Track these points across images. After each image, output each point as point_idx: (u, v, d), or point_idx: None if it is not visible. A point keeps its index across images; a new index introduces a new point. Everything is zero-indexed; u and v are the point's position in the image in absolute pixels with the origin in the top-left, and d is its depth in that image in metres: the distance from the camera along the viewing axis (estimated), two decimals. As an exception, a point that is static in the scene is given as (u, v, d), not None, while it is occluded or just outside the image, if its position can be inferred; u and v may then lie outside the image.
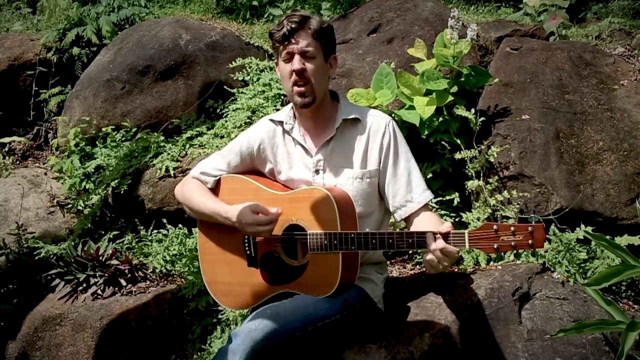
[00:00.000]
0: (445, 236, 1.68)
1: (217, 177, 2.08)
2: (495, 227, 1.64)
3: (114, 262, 2.78)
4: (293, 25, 1.87)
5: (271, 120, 2.07)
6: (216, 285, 2.06)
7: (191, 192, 2.08)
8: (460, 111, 2.60)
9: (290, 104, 2.06)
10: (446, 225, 1.70)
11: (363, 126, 2.00)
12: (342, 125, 1.99)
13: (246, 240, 1.99)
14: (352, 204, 1.90)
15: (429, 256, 1.69)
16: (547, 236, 2.34)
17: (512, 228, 1.62)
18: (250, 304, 1.98)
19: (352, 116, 1.99)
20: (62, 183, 3.42)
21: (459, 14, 2.58)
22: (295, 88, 1.91)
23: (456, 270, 2.41)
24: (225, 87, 3.50)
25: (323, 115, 2.00)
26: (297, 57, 1.89)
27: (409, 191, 1.96)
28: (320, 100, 1.95)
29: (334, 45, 2.00)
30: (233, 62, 3.57)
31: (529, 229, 1.61)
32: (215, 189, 2.08)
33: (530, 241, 1.61)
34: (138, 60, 3.60)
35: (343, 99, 2.07)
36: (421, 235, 1.72)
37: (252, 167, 2.09)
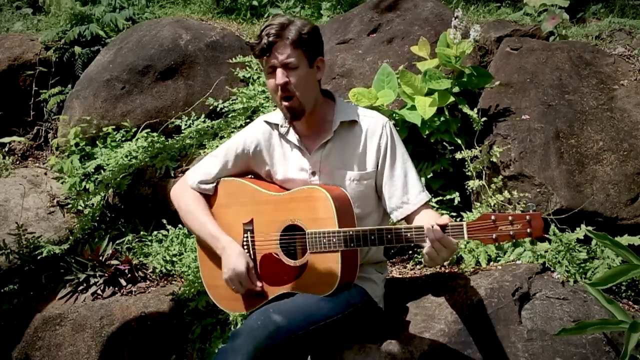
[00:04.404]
0: (444, 228, 1.67)
1: (215, 183, 2.05)
2: (493, 217, 1.63)
3: (114, 262, 2.78)
4: (270, 39, 1.82)
5: (266, 122, 2.04)
6: (216, 289, 2.04)
7: (189, 207, 2.04)
8: (466, 109, 2.60)
9: None
10: (444, 218, 1.70)
11: (360, 127, 1.98)
12: (340, 127, 1.97)
13: (245, 243, 1.98)
14: (349, 202, 1.90)
15: (428, 248, 1.69)
16: (547, 236, 2.35)
17: (510, 217, 1.61)
18: (251, 306, 1.97)
19: (350, 119, 1.98)
20: (62, 183, 3.42)
21: (462, 15, 2.58)
22: (284, 102, 1.88)
23: (456, 270, 2.41)
24: (225, 87, 3.50)
25: (317, 117, 1.98)
26: (279, 71, 1.84)
27: (405, 193, 1.95)
28: (310, 108, 1.92)
29: (319, 48, 1.94)
30: (233, 60, 3.58)
31: (527, 217, 1.60)
32: (212, 193, 2.07)
33: (528, 230, 1.60)
34: (138, 60, 3.60)
35: (339, 98, 2.04)
36: (419, 229, 1.72)
37: (248, 168, 2.08)
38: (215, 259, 2.03)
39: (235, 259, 1.91)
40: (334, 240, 1.81)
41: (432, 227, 1.67)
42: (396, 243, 1.78)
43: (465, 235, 1.66)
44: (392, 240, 1.77)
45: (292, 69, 1.85)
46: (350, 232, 1.80)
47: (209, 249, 2.03)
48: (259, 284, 1.92)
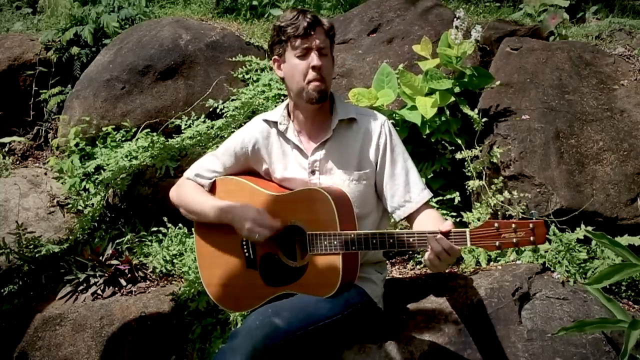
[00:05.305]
0: (447, 235, 1.67)
1: (213, 179, 2.06)
2: (496, 224, 1.63)
3: (114, 262, 2.78)
4: (311, 21, 1.86)
5: (265, 120, 2.05)
6: (215, 288, 2.05)
7: (187, 192, 2.06)
8: (466, 110, 2.60)
9: (284, 103, 2.04)
10: (447, 224, 1.69)
11: (359, 127, 1.98)
12: (338, 126, 1.96)
13: (244, 242, 1.98)
14: (350, 203, 1.89)
15: (431, 255, 1.68)
16: (547, 236, 2.34)
17: (513, 225, 1.61)
18: (250, 306, 1.97)
19: (348, 117, 1.98)
20: (62, 183, 3.42)
21: (465, 15, 2.58)
22: (314, 83, 1.88)
23: (456, 270, 2.41)
24: (225, 87, 3.50)
25: (320, 114, 1.98)
26: (315, 54, 1.87)
27: (407, 191, 1.95)
28: (327, 97, 1.95)
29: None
30: (233, 58, 3.58)
31: (530, 225, 1.60)
32: (210, 192, 2.07)
33: (531, 238, 1.60)
34: (138, 60, 3.60)
35: (338, 98, 2.04)
36: (422, 235, 1.71)
37: (248, 167, 2.08)
38: (214, 257, 2.03)
39: (243, 211, 1.90)
40: (335, 242, 1.80)
41: (436, 235, 1.67)
42: (398, 248, 1.78)
43: (468, 242, 1.66)
44: (395, 244, 1.76)
45: (324, 55, 1.90)
46: (352, 235, 1.79)
47: (208, 245, 2.03)
48: (276, 222, 1.88)
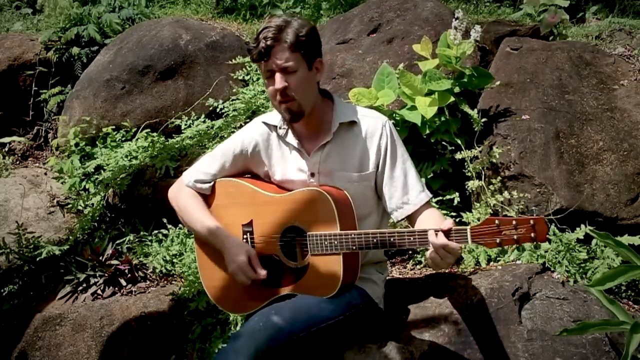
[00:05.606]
0: (447, 233, 1.66)
1: (212, 182, 2.05)
2: (497, 221, 1.62)
3: (114, 262, 2.78)
4: (268, 42, 1.79)
5: (264, 123, 2.03)
6: (216, 290, 2.03)
7: (186, 205, 2.03)
8: (466, 110, 2.60)
9: None
10: (448, 222, 1.68)
11: (359, 128, 1.96)
12: (339, 129, 1.94)
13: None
14: (350, 203, 1.89)
15: (432, 253, 1.68)
16: (547, 236, 2.34)
17: (514, 222, 1.61)
18: (251, 307, 1.96)
19: (349, 119, 1.96)
20: (62, 183, 3.42)
21: (463, 15, 2.58)
22: (282, 105, 1.86)
23: (456, 270, 2.41)
24: (225, 87, 3.50)
25: (316, 118, 1.96)
26: (278, 75, 1.81)
27: (405, 193, 1.94)
28: (309, 110, 1.90)
29: (318, 49, 1.91)
30: (233, 60, 3.59)
31: (531, 222, 1.59)
32: (210, 194, 2.06)
33: (532, 234, 1.59)
34: (138, 60, 3.60)
35: (337, 99, 2.01)
36: (423, 233, 1.71)
37: (247, 169, 2.07)
38: (214, 259, 2.02)
39: (235, 250, 1.89)
40: (336, 243, 1.80)
41: (437, 233, 1.66)
42: (399, 247, 1.77)
43: (469, 240, 1.65)
44: (395, 244, 1.76)
45: (291, 72, 1.82)
46: (352, 235, 1.79)
47: (208, 248, 2.02)
48: (262, 272, 1.88)
